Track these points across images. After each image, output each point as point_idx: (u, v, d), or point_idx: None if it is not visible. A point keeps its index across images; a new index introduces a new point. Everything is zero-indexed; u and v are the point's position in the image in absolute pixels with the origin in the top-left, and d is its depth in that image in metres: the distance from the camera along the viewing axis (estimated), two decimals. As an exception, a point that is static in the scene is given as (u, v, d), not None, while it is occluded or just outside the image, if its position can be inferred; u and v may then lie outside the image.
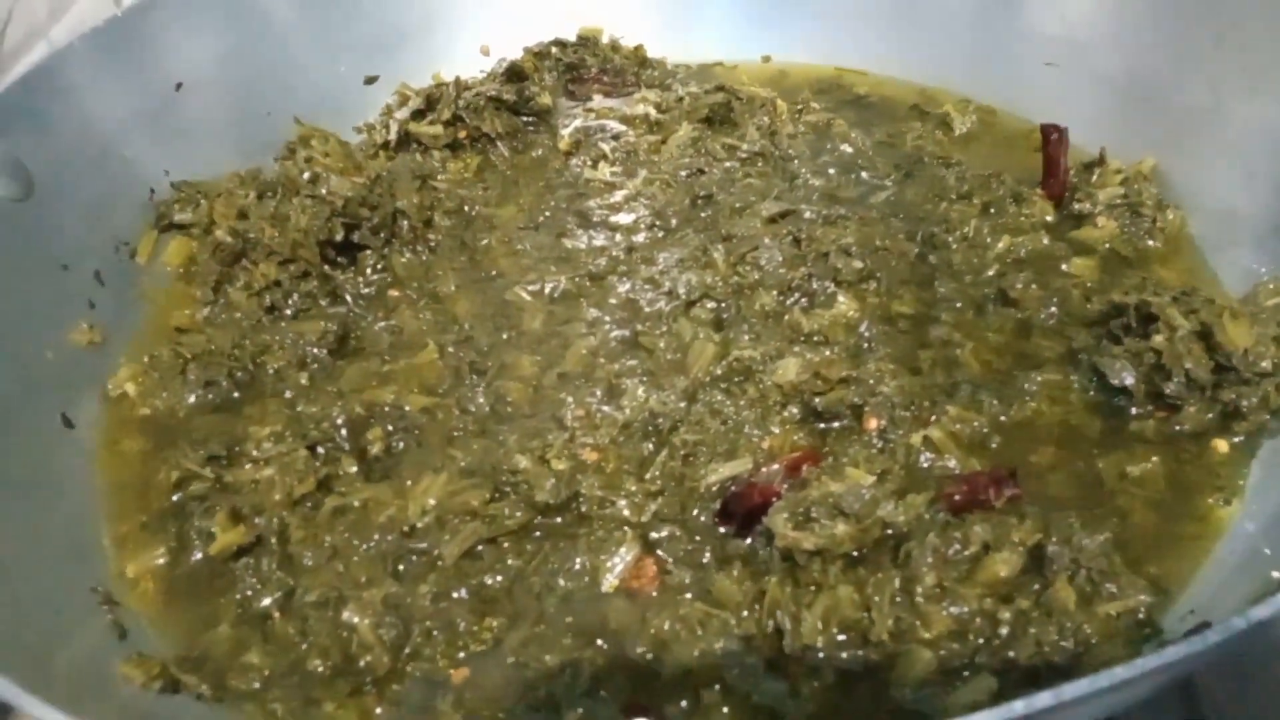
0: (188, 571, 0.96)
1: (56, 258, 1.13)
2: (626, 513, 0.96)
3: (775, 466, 0.97)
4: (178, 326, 1.19)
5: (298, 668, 0.88)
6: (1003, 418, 1.03)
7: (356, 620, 0.88)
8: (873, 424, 1.01)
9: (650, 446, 1.02)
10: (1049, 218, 1.26)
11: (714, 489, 0.98)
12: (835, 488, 0.91)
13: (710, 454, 1.00)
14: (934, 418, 1.02)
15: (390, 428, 1.05)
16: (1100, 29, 1.35)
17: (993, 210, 1.26)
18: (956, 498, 0.93)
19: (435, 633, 0.89)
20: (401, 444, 1.05)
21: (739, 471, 0.98)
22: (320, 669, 0.87)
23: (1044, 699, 0.59)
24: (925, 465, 0.99)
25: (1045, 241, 1.22)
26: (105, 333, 1.14)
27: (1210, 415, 1.01)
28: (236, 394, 1.12)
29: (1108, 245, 1.22)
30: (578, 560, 0.93)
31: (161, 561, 0.97)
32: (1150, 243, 1.22)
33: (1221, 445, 1.00)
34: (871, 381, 1.04)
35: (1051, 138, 1.30)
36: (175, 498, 1.01)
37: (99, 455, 1.07)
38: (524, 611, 0.90)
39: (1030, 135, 1.35)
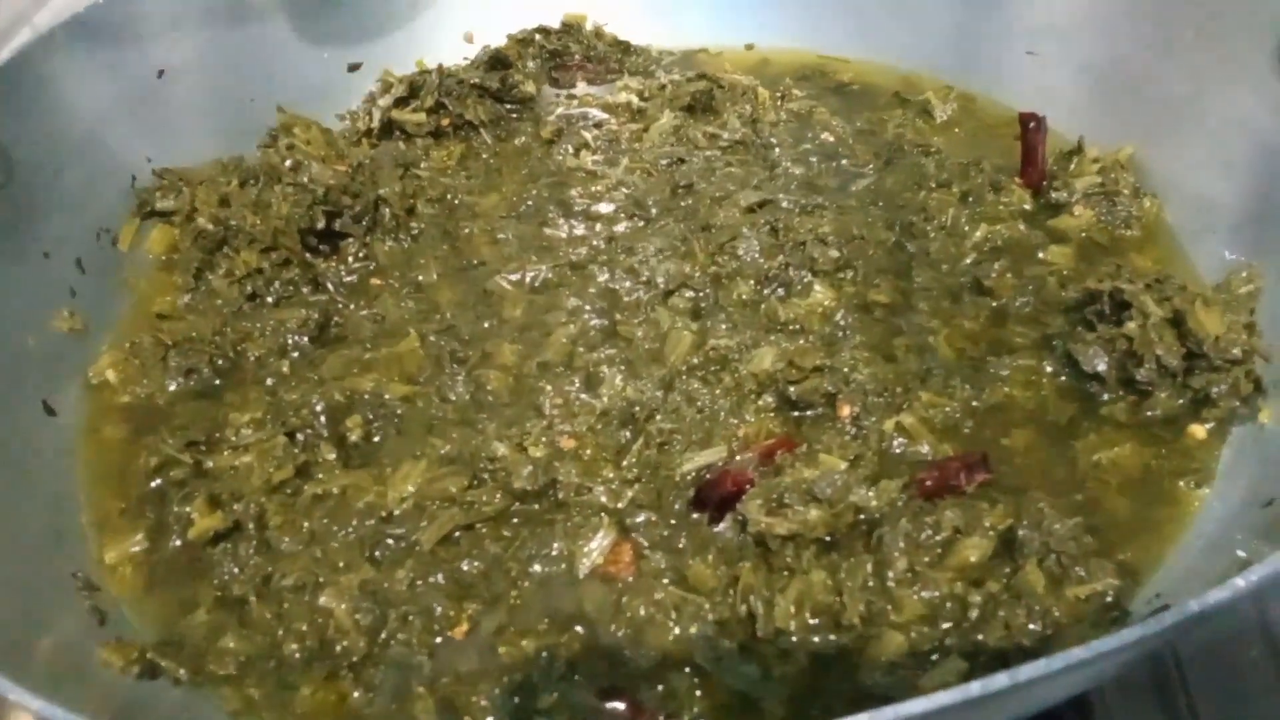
0: (166, 557, 0.97)
1: (38, 245, 1.13)
2: (604, 499, 0.97)
3: (749, 454, 0.98)
4: (159, 313, 1.19)
5: (274, 652, 0.89)
6: (975, 403, 1.04)
7: (333, 605, 0.89)
8: (846, 411, 1.02)
9: (627, 434, 1.02)
10: (1026, 206, 1.27)
11: (689, 477, 0.99)
12: (808, 474, 0.93)
13: (686, 442, 1.01)
14: (906, 404, 1.03)
15: (370, 415, 1.06)
16: (1081, 17, 1.35)
17: (971, 199, 1.27)
18: (928, 483, 0.95)
19: (411, 618, 0.90)
20: (381, 432, 1.05)
21: (714, 460, 0.99)
22: (296, 653, 0.88)
23: (1000, 680, 0.60)
24: (898, 451, 1.00)
25: (1022, 229, 1.23)
26: (86, 320, 1.15)
27: (1181, 402, 1.02)
28: (218, 381, 1.13)
29: (1084, 234, 1.23)
30: (555, 546, 0.94)
31: (140, 547, 0.98)
32: (1126, 231, 1.23)
33: (1199, 431, 1.02)
34: (846, 369, 1.05)
35: (1030, 126, 1.30)
36: (154, 484, 1.02)
37: (80, 443, 1.07)
38: (500, 597, 0.91)
39: (1010, 123, 1.36)
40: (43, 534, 0.96)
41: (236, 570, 0.95)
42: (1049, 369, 1.08)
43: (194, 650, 0.89)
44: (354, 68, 1.48)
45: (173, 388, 1.12)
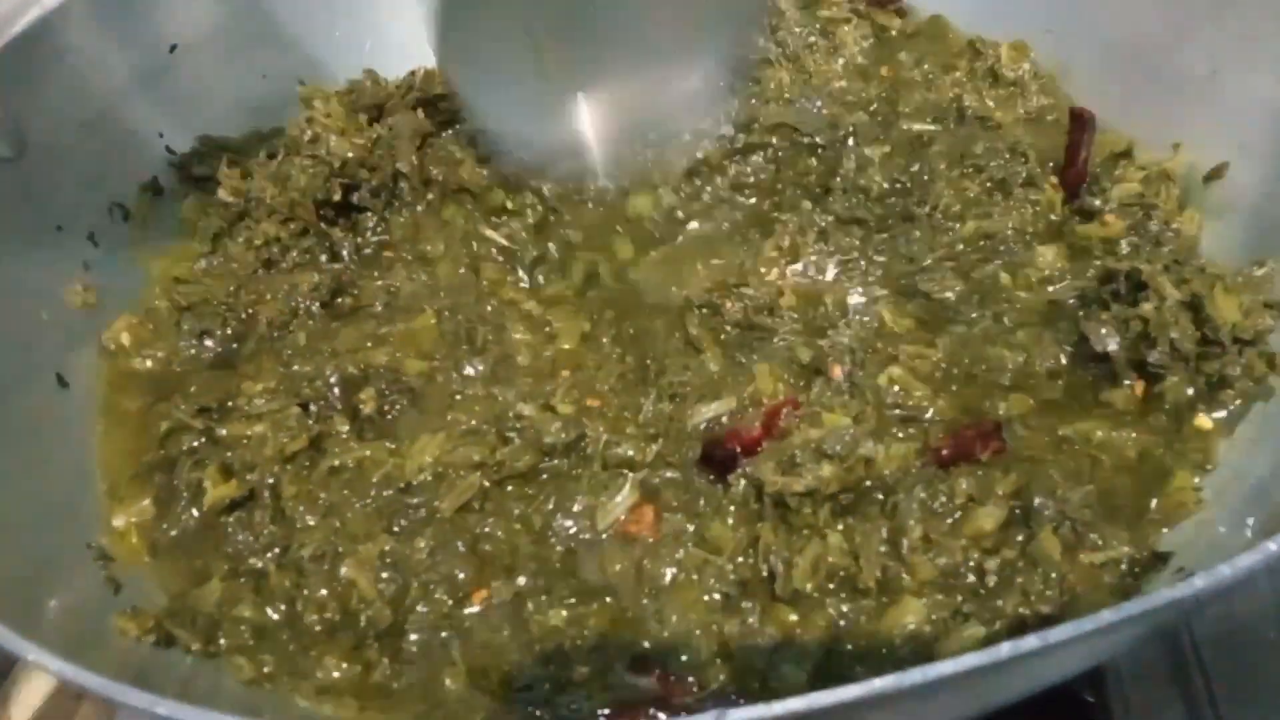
0: (176, 525, 0.97)
1: (51, 219, 1.13)
2: (631, 454, 0.98)
3: (753, 414, 1.00)
4: (176, 277, 1.20)
5: (293, 623, 0.89)
6: (965, 360, 1.04)
7: (355, 575, 0.89)
8: (838, 371, 1.03)
9: (645, 397, 1.03)
10: (1054, 215, 1.20)
11: (701, 429, 1.00)
12: (815, 433, 0.94)
13: (697, 395, 1.02)
14: (892, 358, 1.04)
15: (384, 389, 1.06)
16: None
17: (999, 189, 1.22)
18: (944, 452, 0.95)
19: (433, 586, 0.90)
20: (397, 406, 1.05)
21: (725, 410, 1.01)
22: (317, 625, 0.88)
23: (1030, 642, 0.60)
24: (897, 412, 1.00)
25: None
26: (99, 294, 1.14)
27: (1190, 390, 1.00)
28: (234, 345, 1.13)
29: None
30: (578, 500, 0.95)
31: (148, 514, 0.98)
32: (1159, 249, 1.12)
33: (1205, 422, 0.99)
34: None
35: (1077, 122, 1.24)
36: (164, 450, 1.02)
37: (94, 414, 1.07)
38: (522, 561, 0.92)
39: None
40: (57, 505, 0.96)
41: (251, 540, 0.94)
42: (1051, 342, 1.06)
43: (207, 620, 0.89)
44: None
45: (188, 353, 1.13)
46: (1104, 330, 1.03)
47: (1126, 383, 1.02)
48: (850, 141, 1.27)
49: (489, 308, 1.15)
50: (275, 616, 0.89)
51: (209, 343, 1.13)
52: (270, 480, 0.98)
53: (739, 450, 0.96)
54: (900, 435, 0.98)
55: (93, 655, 0.80)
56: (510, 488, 0.96)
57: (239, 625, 0.89)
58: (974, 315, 1.09)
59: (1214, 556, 0.84)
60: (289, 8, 1.38)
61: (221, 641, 0.89)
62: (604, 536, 0.93)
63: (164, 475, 1.00)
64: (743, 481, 0.94)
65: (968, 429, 0.97)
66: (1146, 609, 0.63)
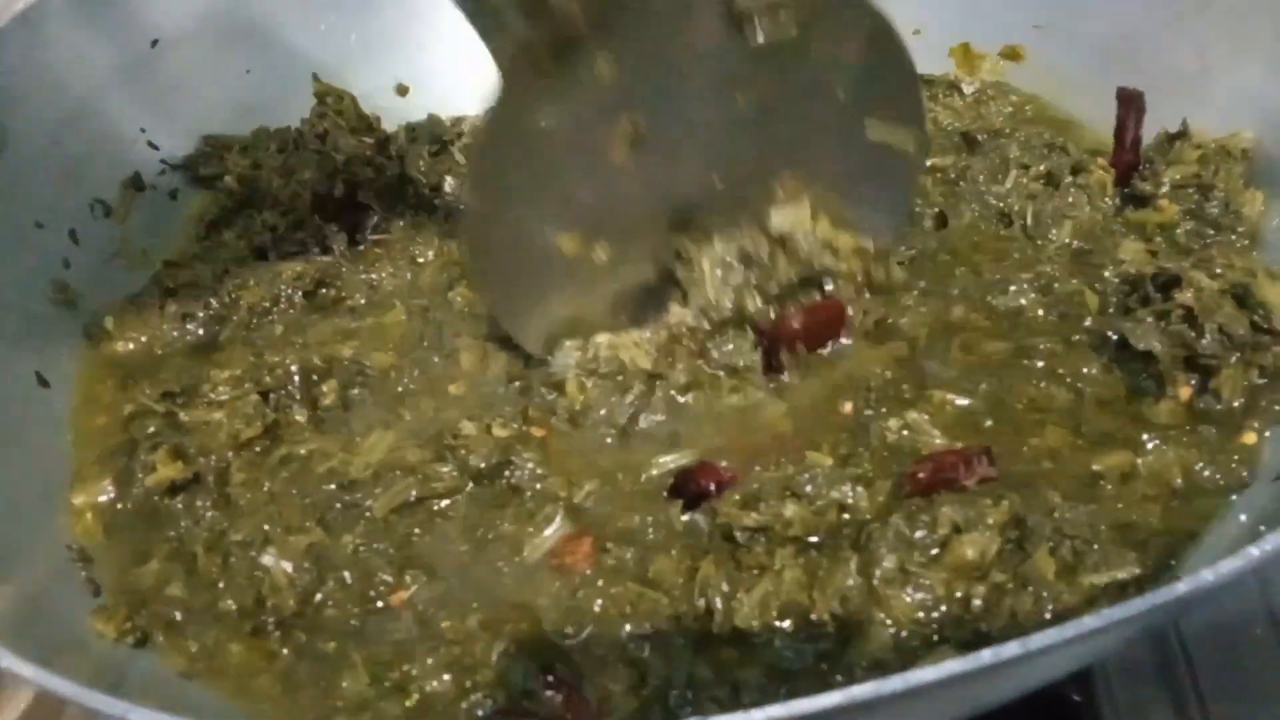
0: (129, 506, 0.97)
1: (31, 216, 1.12)
2: (558, 491, 0.94)
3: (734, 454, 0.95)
4: (166, 260, 1.20)
5: (212, 606, 0.88)
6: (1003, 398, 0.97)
7: (271, 563, 0.89)
8: (849, 408, 0.99)
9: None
10: (1106, 199, 1.15)
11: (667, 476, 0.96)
12: (790, 470, 0.89)
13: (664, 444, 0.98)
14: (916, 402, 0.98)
15: (346, 380, 1.05)
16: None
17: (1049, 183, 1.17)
18: (920, 475, 0.88)
19: (350, 581, 0.89)
20: (356, 399, 1.05)
21: (682, 462, 0.96)
22: (233, 609, 0.88)
23: (1011, 649, 0.57)
24: (904, 446, 0.94)
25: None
26: (80, 291, 1.14)
27: (1246, 382, 0.92)
28: (216, 329, 1.14)
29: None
30: (504, 527, 0.92)
31: (107, 496, 0.98)
32: (1214, 234, 1.07)
33: (1250, 437, 0.92)
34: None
35: (1124, 103, 1.17)
36: (128, 433, 1.02)
37: (73, 413, 1.07)
38: (446, 572, 0.89)
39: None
40: (37, 507, 0.96)
41: (192, 523, 0.95)
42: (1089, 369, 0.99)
43: (142, 599, 0.89)
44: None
45: (170, 335, 1.13)
46: (1142, 328, 0.95)
47: (1170, 392, 0.94)
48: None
49: (463, 315, 1.13)
50: (201, 600, 0.89)
51: (190, 325, 1.14)
52: (220, 465, 0.98)
53: (714, 486, 0.91)
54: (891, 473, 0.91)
55: (70, 659, 0.80)
56: (445, 506, 0.94)
57: (170, 604, 0.89)
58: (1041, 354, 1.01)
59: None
60: (272, 3, 1.38)
61: (152, 619, 0.88)
62: (531, 565, 0.89)
63: (124, 458, 1.00)
64: (698, 516, 0.90)
65: (949, 453, 0.90)
66: (1130, 614, 0.62)
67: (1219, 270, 0.96)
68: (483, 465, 0.95)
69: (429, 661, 0.82)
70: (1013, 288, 1.08)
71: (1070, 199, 1.15)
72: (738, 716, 0.55)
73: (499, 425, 0.99)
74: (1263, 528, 0.83)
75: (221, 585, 0.89)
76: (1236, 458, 0.91)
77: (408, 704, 0.81)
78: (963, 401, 0.98)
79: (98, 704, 0.65)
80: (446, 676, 0.82)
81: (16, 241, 1.10)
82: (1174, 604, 0.62)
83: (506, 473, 0.96)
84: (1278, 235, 1.07)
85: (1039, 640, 0.57)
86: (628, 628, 0.83)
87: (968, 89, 1.38)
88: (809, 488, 0.87)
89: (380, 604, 0.88)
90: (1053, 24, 1.36)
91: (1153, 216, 1.11)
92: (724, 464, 0.94)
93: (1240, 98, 1.14)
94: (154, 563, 0.93)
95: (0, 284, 1.07)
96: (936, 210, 1.18)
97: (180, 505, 0.97)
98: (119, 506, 0.97)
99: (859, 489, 0.87)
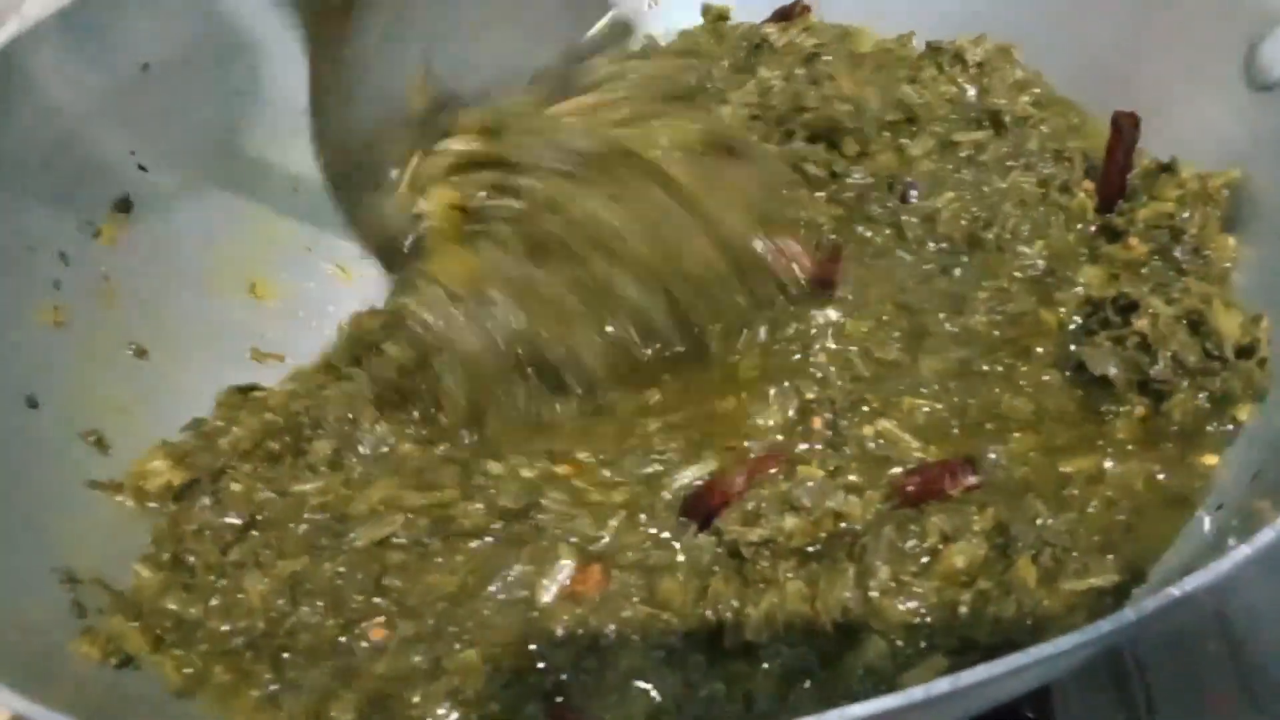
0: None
1: (22, 239, 1.13)
2: (588, 530, 0.95)
3: (740, 469, 0.97)
4: None
5: (202, 624, 0.91)
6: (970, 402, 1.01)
7: (250, 586, 0.91)
8: (818, 423, 1.01)
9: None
10: (1080, 225, 1.15)
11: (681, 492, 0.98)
12: (786, 485, 0.92)
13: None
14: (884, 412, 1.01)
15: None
16: (1052, 21, 1.34)
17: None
18: (910, 489, 0.92)
19: (323, 606, 0.91)
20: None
21: (703, 474, 0.98)
22: (219, 629, 0.90)
23: (977, 673, 0.60)
24: (882, 454, 0.97)
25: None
26: (70, 313, 1.15)
27: (1197, 402, 0.96)
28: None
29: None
30: (515, 570, 0.92)
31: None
32: (1178, 278, 1.05)
33: (1210, 458, 0.96)
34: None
35: (1116, 129, 1.15)
36: None
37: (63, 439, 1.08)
38: (432, 608, 0.91)
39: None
40: (23, 529, 0.96)
41: (194, 533, 0.98)
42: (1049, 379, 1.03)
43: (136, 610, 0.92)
44: None
45: None
46: (1099, 353, 0.99)
47: (1126, 411, 0.98)
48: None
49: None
50: (193, 616, 0.92)
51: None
52: (217, 470, 1.01)
53: (723, 504, 0.93)
54: (880, 484, 0.95)
55: (55, 685, 0.81)
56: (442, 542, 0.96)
57: (163, 618, 0.91)
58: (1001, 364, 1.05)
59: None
60: (262, 25, 1.39)
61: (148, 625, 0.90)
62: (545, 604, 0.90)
63: None
64: (702, 535, 0.92)
65: (935, 464, 0.94)
66: (1088, 639, 0.62)
67: (1176, 295, 1.00)
68: (511, 505, 0.97)
69: (430, 688, 0.84)
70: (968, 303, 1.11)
71: (1050, 217, 1.15)
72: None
73: (525, 467, 1.00)
74: (1232, 540, 0.82)
75: (214, 603, 0.92)
76: (1198, 475, 0.94)
77: None
78: (930, 408, 1.01)
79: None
80: (444, 709, 0.83)
81: (8, 263, 1.10)
82: (1131, 627, 0.64)
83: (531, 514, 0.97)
84: (1241, 276, 1.07)
85: (972, 676, 0.59)
86: (639, 650, 0.85)
87: (975, 54, 1.34)
88: (806, 500, 0.89)
89: (357, 636, 0.89)
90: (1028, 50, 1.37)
91: (1121, 253, 1.11)
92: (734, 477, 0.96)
93: (1198, 129, 1.14)
94: (160, 574, 0.95)
95: (-10, 306, 1.07)
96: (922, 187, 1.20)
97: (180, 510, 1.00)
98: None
99: (851, 497, 0.90)
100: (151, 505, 1.01)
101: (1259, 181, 1.07)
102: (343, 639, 0.89)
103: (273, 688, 0.87)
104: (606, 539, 0.94)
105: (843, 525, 0.89)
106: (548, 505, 0.97)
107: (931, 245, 1.16)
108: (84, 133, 1.21)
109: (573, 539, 0.94)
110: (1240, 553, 0.65)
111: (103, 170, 1.24)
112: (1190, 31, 1.16)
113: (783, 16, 1.48)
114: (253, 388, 1.18)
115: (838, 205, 1.22)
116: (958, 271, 1.14)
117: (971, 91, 1.31)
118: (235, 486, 1.00)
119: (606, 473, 1.01)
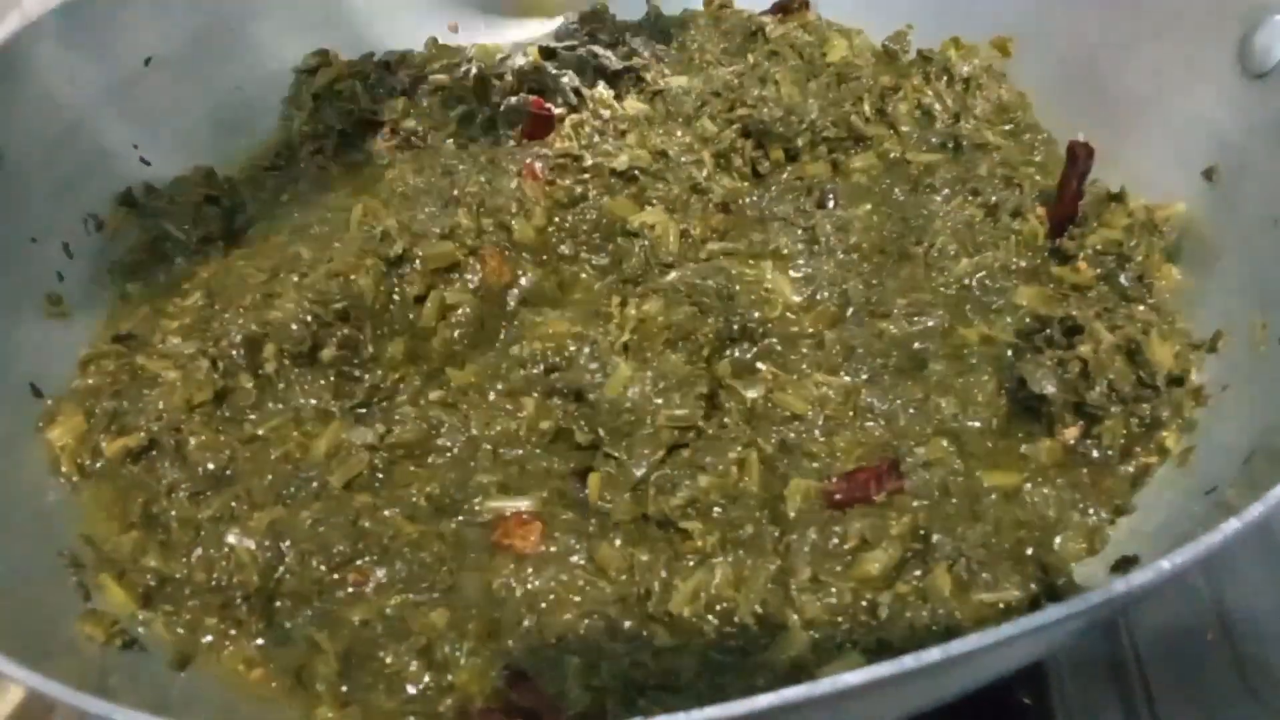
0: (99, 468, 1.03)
1: (25, 232, 1.15)
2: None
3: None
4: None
5: (188, 580, 0.93)
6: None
7: (235, 541, 0.93)
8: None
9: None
10: (1031, 252, 1.18)
11: None
12: (687, 454, 0.98)
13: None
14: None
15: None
16: (1045, 15, 1.36)
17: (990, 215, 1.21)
18: (837, 496, 0.95)
19: (308, 556, 0.93)
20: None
21: None
22: (204, 582, 0.92)
23: (932, 654, 0.61)
24: (793, 437, 1.01)
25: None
26: (73, 304, 1.17)
27: (1125, 432, 0.99)
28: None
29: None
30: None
31: (80, 430, 1.04)
32: (1125, 305, 1.07)
33: (1121, 484, 0.98)
34: None
35: (1072, 157, 1.18)
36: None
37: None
38: (401, 551, 0.94)
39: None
40: (29, 514, 0.98)
41: (159, 490, 0.99)
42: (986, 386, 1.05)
43: (119, 567, 0.94)
44: None
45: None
46: (1040, 372, 1.01)
47: (1060, 428, 1.00)
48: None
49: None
50: (173, 570, 0.94)
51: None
52: (173, 427, 1.03)
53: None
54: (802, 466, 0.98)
55: (62, 663, 0.83)
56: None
57: (145, 575, 0.93)
58: (939, 367, 1.07)
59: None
60: (263, 21, 1.40)
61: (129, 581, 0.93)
62: (483, 523, 0.96)
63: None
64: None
65: (861, 471, 0.96)
66: (1076, 610, 0.65)
67: (1120, 322, 1.02)
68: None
69: (400, 647, 0.87)
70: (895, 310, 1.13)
71: (998, 240, 1.18)
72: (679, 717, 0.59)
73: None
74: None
75: (194, 558, 0.94)
76: (1113, 499, 0.97)
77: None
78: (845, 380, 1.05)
79: (85, 705, 0.68)
80: (429, 665, 0.86)
81: (11, 256, 1.13)
82: (1060, 623, 0.65)
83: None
84: (1182, 305, 1.09)
85: (959, 646, 0.61)
86: (576, 612, 0.89)
87: (962, 69, 1.37)
88: (708, 458, 0.96)
89: (339, 585, 0.92)
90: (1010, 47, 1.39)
91: (1070, 276, 1.15)
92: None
93: (1193, 120, 1.15)
94: (133, 532, 0.97)
95: (-6, 297, 1.10)
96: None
97: (141, 470, 1.02)
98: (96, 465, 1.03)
99: (747, 450, 0.97)
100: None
101: (1251, 169, 1.08)
102: (335, 576, 0.93)
103: (259, 641, 0.91)
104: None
105: (746, 480, 0.96)
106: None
107: (841, 254, 1.19)
108: (87, 127, 1.25)
109: None
110: (1230, 526, 0.67)
111: (106, 164, 1.27)
112: (1183, 19, 1.16)
113: (782, 9, 1.51)
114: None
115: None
116: (875, 280, 1.17)
117: (943, 117, 1.34)
118: (194, 440, 1.02)
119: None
